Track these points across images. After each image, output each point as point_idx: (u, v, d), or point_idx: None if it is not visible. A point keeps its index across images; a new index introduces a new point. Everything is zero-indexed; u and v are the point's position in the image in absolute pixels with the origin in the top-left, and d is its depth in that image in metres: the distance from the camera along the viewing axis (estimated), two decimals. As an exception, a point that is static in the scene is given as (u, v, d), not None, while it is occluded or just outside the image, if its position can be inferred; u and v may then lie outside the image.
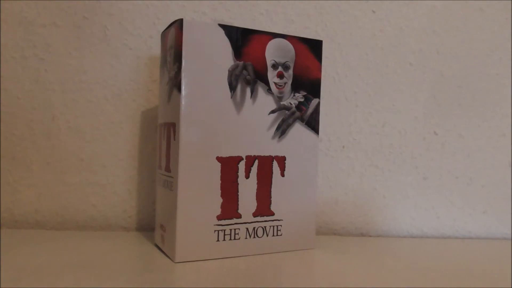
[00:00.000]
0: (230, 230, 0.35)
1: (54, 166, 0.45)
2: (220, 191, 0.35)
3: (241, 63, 0.35)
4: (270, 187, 0.37)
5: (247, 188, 0.36)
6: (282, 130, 0.37)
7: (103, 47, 0.45)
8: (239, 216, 0.35)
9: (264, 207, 0.37)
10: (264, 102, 0.36)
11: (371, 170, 0.49)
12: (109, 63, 0.45)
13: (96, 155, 0.45)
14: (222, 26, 0.34)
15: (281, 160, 0.37)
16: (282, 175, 0.37)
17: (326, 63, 0.48)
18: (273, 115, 0.36)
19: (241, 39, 0.35)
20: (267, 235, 0.37)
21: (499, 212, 0.50)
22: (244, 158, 0.35)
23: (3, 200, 0.45)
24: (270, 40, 0.36)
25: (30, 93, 0.45)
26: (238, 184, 0.35)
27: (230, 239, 0.35)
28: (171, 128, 0.34)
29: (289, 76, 0.37)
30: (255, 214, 0.36)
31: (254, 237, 0.36)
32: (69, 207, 0.45)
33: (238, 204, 0.35)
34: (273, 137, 0.37)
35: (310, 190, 0.39)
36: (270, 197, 0.37)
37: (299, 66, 0.38)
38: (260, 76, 0.36)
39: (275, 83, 0.36)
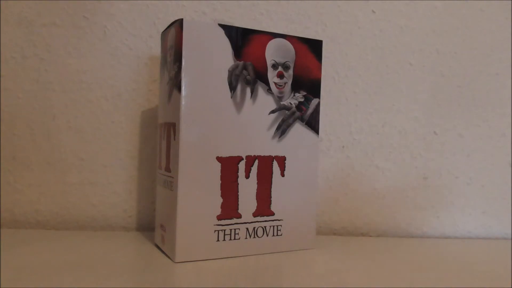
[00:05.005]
0: (230, 230, 0.35)
1: (54, 166, 0.45)
2: (220, 191, 0.35)
3: (241, 63, 0.35)
4: (270, 187, 0.37)
5: (247, 188, 0.36)
6: (282, 130, 0.37)
7: (103, 47, 0.45)
8: (239, 216, 0.35)
9: (264, 207, 0.37)
10: (264, 102, 0.36)
11: (371, 170, 0.49)
12: (109, 63, 0.45)
13: (96, 155, 0.45)
14: (222, 26, 0.34)
15: (281, 160, 0.37)
16: (282, 175, 0.37)
17: (326, 63, 0.48)
18: (273, 115, 0.36)
19: (241, 39, 0.35)
20: (267, 235, 0.37)
21: (499, 212, 0.50)
22: (244, 158, 0.35)
23: (3, 200, 0.45)
24: (270, 40, 0.36)
25: (30, 93, 0.45)
26: (238, 184, 0.35)
27: (230, 239, 0.35)
28: (171, 128, 0.34)
29: (289, 76, 0.37)
30: (255, 214, 0.36)
31: (254, 237, 0.36)
32: (69, 207, 0.45)
33: (238, 204, 0.35)
34: (273, 137, 0.37)
35: (310, 190, 0.39)
36: (270, 197, 0.37)
37: (299, 66, 0.38)
38: (260, 76, 0.36)
39: (275, 83, 0.36)
